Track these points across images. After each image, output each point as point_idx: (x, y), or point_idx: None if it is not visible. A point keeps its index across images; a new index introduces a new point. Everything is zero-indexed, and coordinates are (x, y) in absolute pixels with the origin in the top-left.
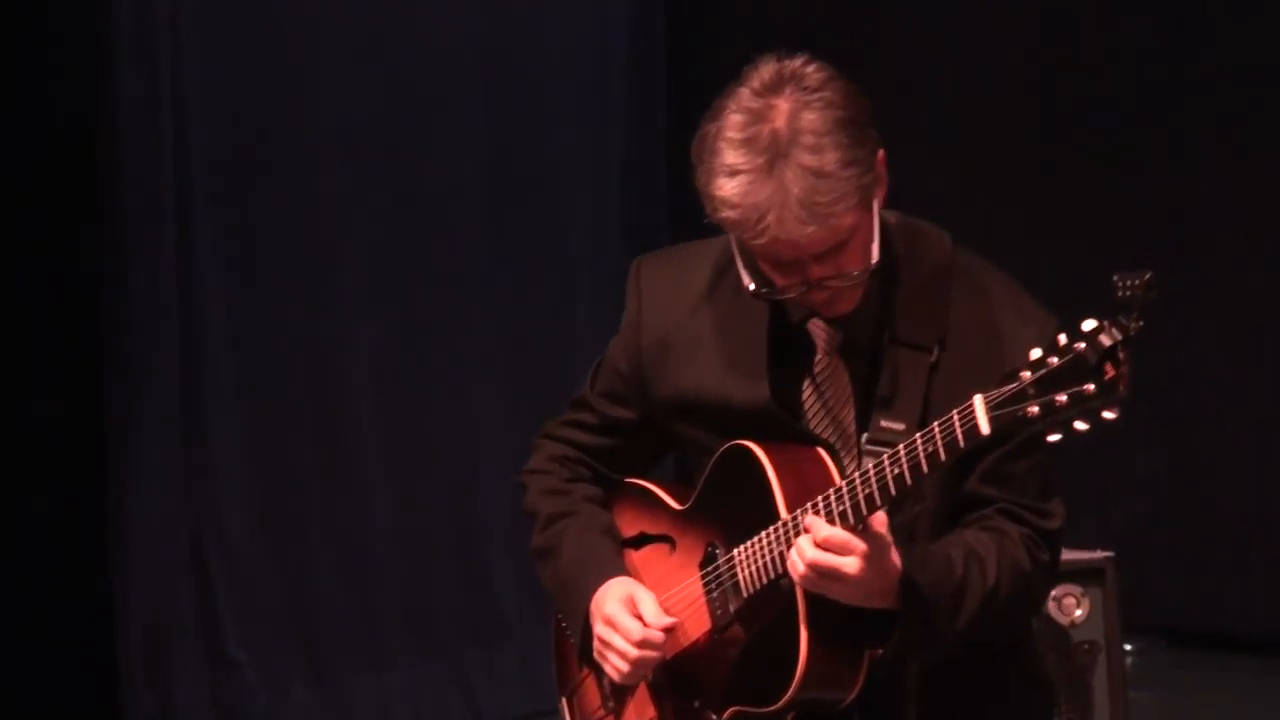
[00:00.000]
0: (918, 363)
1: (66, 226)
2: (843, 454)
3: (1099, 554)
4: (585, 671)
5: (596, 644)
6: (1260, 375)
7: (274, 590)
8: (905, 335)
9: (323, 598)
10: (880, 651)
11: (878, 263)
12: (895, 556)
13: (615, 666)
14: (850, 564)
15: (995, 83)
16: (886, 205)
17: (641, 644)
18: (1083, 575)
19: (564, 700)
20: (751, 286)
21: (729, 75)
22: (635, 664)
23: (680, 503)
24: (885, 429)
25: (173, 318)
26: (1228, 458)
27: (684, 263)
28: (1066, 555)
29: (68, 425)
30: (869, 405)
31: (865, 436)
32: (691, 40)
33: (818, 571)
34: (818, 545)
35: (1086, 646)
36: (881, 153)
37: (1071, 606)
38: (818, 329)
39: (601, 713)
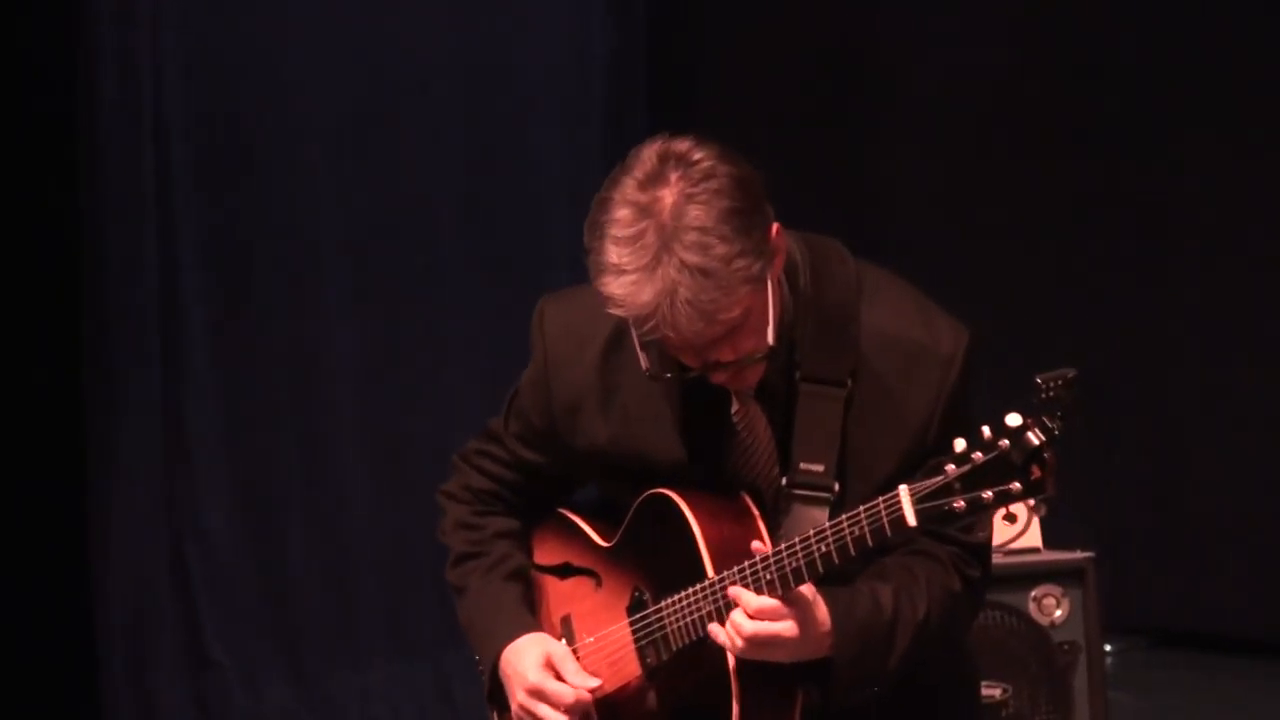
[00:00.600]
0: (832, 398)
1: (46, 226)
2: (766, 495)
3: (1079, 554)
4: None
5: (520, 712)
6: (1240, 377)
7: (254, 590)
8: (817, 372)
9: (303, 598)
10: (813, 695)
11: (773, 346)
12: (823, 609)
13: None
14: (787, 628)
15: (976, 84)
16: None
17: (573, 709)
18: (1063, 575)
19: (494, 716)
20: (651, 371)
21: (709, 78)
22: None
23: (605, 539)
24: (805, 471)
25: (153, 319)
26: (1207, 459)
27: (590, 307)
28: (1047, 555)
29: (47, 426)
30: (788, 444)
31: (785, 480)
32: (672, 43)
33: (755, 643)
34: (751, 616)
35: (1066, 647)
36: (775, 226)
37: (1051, 607)
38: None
39: None
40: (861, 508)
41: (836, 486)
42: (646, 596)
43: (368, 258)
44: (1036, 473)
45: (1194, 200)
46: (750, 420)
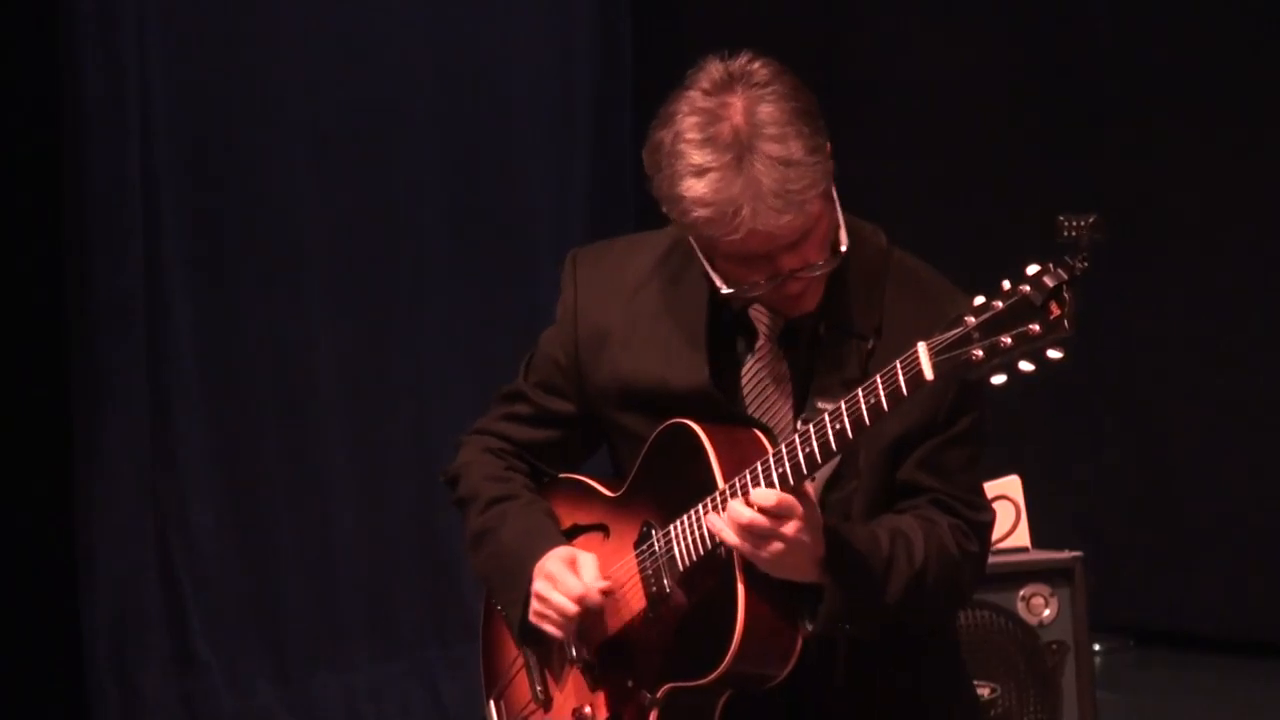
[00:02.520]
0: (855, 349)
1: (31, 224)
2: (780, 438)
3: (1067, 554)
4: (516, 667)
5: (535, 602)
6: (1227, 376)
7: (240, 590)
8: (843, 323)
9: (288, 597)
10: (810, 626)
11: (847, 250)
12: (819, 521)
13: (552, 622)
14: (787, 525)
15: (962, 81)
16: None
17: (580, 600)
18: (1051, 575)
19: (491, 703)
20: (725, 288)
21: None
22: (572, 621)
23: (614, 490)
24: (822, 409)
25: (138, 318)
26: (1195, 459)
27: (619, 253)
28: (1035, 555)
29: (33, 426)
30: (806, 392)
31: (801, 418)
32: (658, 47)
33: (751, 533)
34: (756, 509)
35: (1055, 646)
36: (828, 145)
37: (1040, 606)
38: (759, 315)
39: (532, 707)
40: (878, 374)
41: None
42: (654, 528)
43: (353, 257)
44: (1055, 310)
45: (1184, 201)
46: (772, 360)
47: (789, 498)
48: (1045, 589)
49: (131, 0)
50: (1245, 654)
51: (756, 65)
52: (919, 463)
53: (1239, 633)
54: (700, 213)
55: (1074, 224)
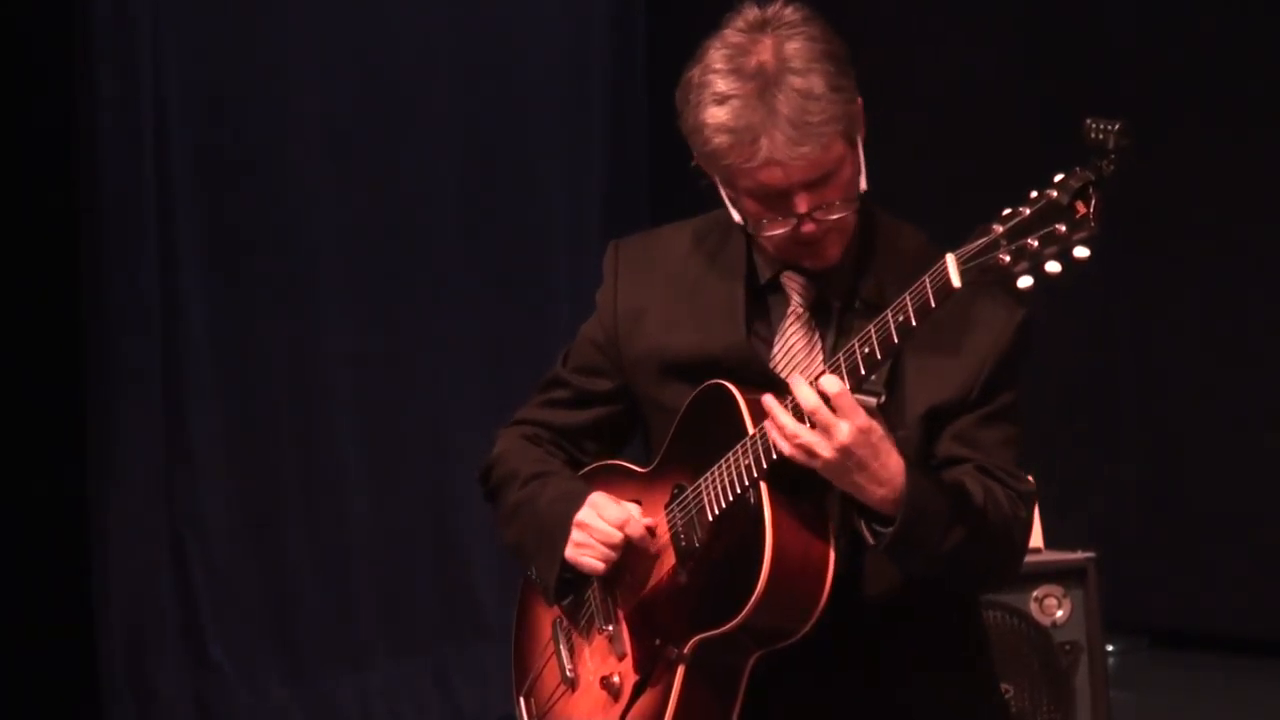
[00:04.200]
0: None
1: (47, 227)
2: None
3: (1080, 555)
4: (546, 655)
5: (575, 530)
6: (1240, 376)
7: (254, 590)
8: (877, 299)
9: (303, 598)
10: (874, 542)
11: (864, 191)
12: (895, 452)
13: (593, 553)
14: (846, 427)
15: (973, 80)
16: (870, 198)
17: (622, 526)
18: (1064, 576)
19: (520, 700)
20: (740, 220)
21: None
22: (614, 550)
23: (646, 467)
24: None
25: (154, 320)
26: (1208, 458)
27: (659, 241)
28: (1048, 556)
29: (49, 427)
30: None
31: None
32: (672, 37)
33: (819, 419)
34: (820, 397)
35: (1068, 647)
36: (860, 100)
37: (1053, 607)
38: (792, 282)
39: (560, 691)
40: (906, 292)
41: (884, 396)
42: (685, 486)
43: (367, 259)
44: (1080, 209)
45: (1200, 202)
46: (805, 331)
47: (851, 397)
48: (1059, 590)
49: (146, 4)
50: (1259, 654)
51: (789, 10)
52: (954, 438)
53: (1252, 633)
54: (720, 139)
55: (1101, 127)
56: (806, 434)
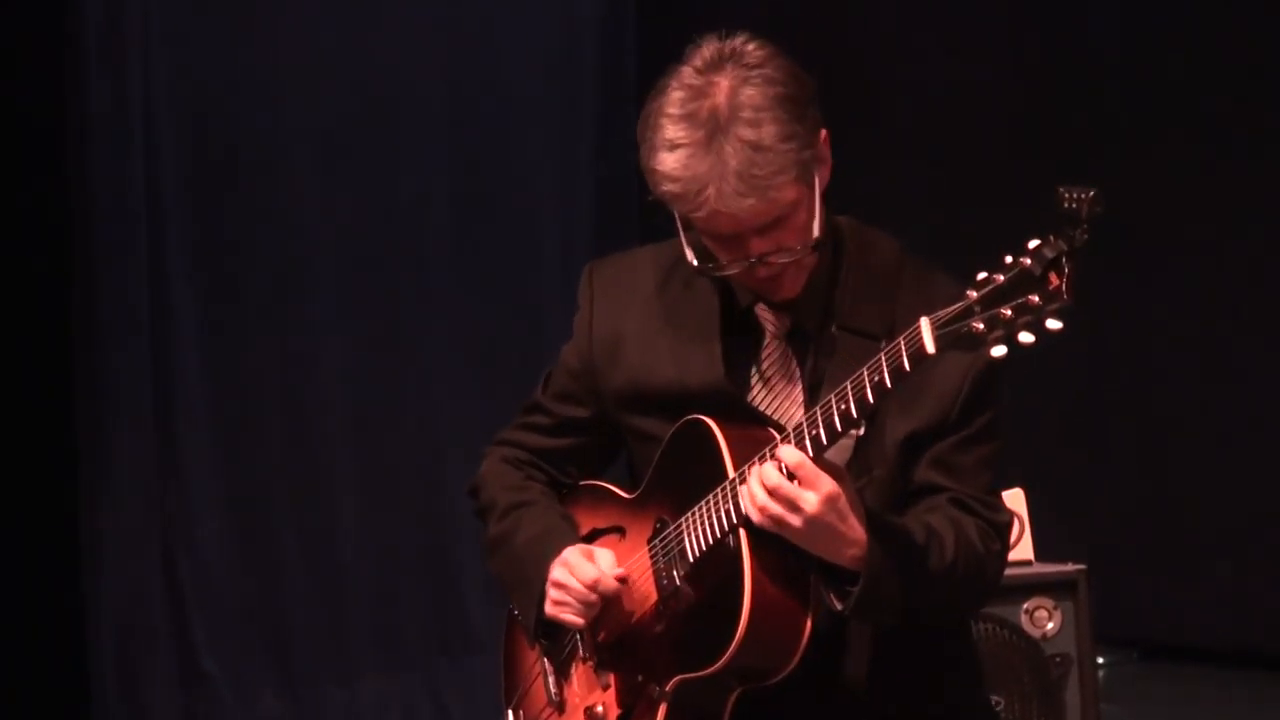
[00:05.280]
0: (865, 350)
1: (37, 237)
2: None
3: (1071, 567)
4: (534, 675)
5: (551, 588)
6: (1232, 389)
7: (245, 602)
8: (853, 323)
9: (293, 610)
10: (840, 606)
11: (818, 240)
12: (859, 505)
13: (570, 610)
14: (810, 497)
15: (962, 92)
16: (842, 211)
17: (594, 586)
18: (1055, 588)
19: (510, 712)
20: (695, 262)
21: None
22: (590, 608)
23: (630, 493)
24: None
25: (143, 330)
26: (1199, 472)
27: (634, 264)
28: (1039, 568)
29: (38, 438)
30: (816, 391)
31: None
32: (662, 50)
33: (780, 497)
34: (783, 472)
35: (1059, 659)
36: (824, 133)
37: (1044, 619)
38: (765, 314)
39: (548, 712)
40: (882, 351)
41: (864, 427)
42: (667, 522)
43: (357, 267)
44: (1054, 281)
45: (1189, 211)
46: (782, 359)
47: (814, 467)
48: (1049, 602)
49: (136, 12)
50: (1249, 667)
51: (751, 46)
52: (933, 463)
53: (1243, 646)
54: (668, 187)
55: (1074, 196)
56: (774, 506)
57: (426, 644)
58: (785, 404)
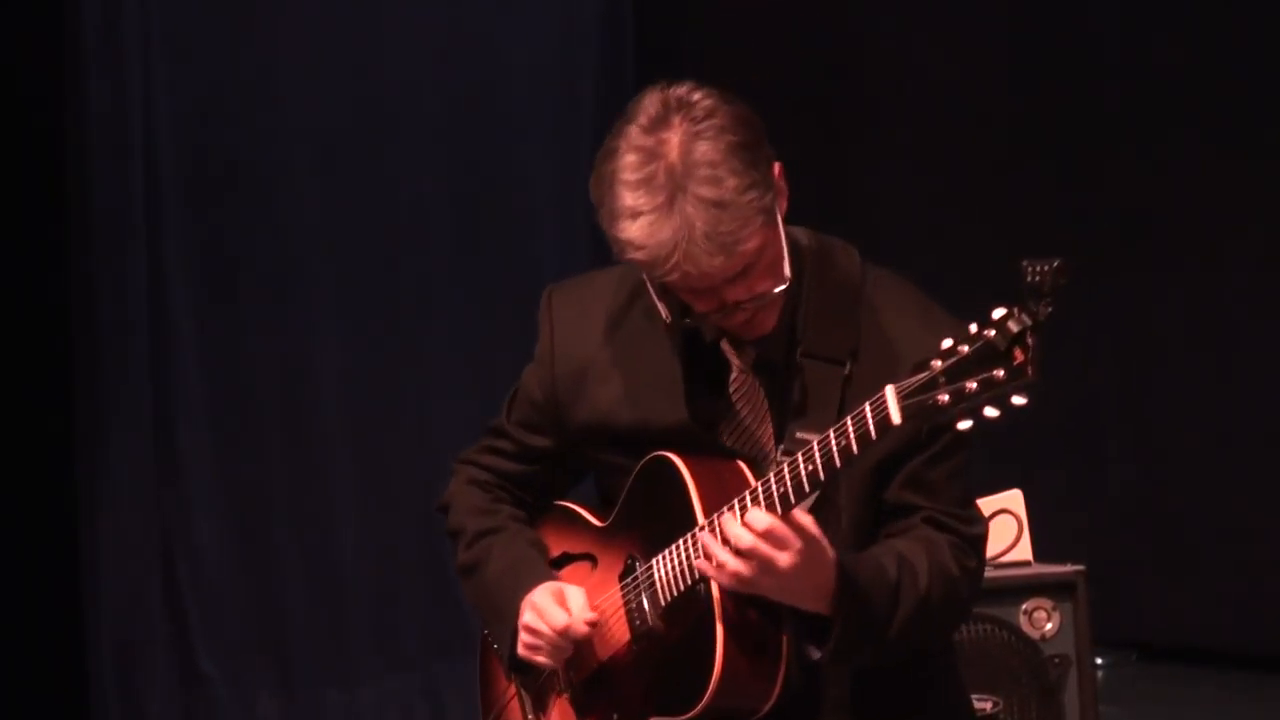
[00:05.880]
0: (831, 376)
1: (36, 242)
2: (765, 467)
3: (1070, 568)
4: (510, 694)
5: (523, 633)
6: (1230, 389)
7: (244, 605)
8: (817, 350)
9: (292, 613)
10: (818, 655)
11: (789, 280)
12: (829, 553)
13: (543, 653)
14: (784, 556)
15: (962, 94)
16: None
17: (564, 632)
18: (1054, 589)
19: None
20: (669, 318)
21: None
22: (559, 652)
23: (601, 520)
24: (801, 440)
25: (142, 335)
26: (1197, 472)
27: (595, 290)
28: (1038, 569)
29: (37, 443)
30: (784, 420)
31: (781, 449)
32: (661, 54)
33: (751, 557)
34: (753, 533)
35: (1057, 660)
36: (778, 166)
37: (1043, 620)
38: (730, 348)
39: None
40: (848, 417)
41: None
42: (638, 561)
43: (355, 273)
44: (1019, 357)
45: (1182, 211)
46: (749, 391)
47: (782, 526)
48: (1048, 603)
49: (136, 12)
50: (1248, 668)
51: (697, 96)
52: (905, 482)
53: (1242, 647)
54: (635, 254)
55: (1038, 268)
56: (743, 567)
57: (426, 645)
58: (755, 435)
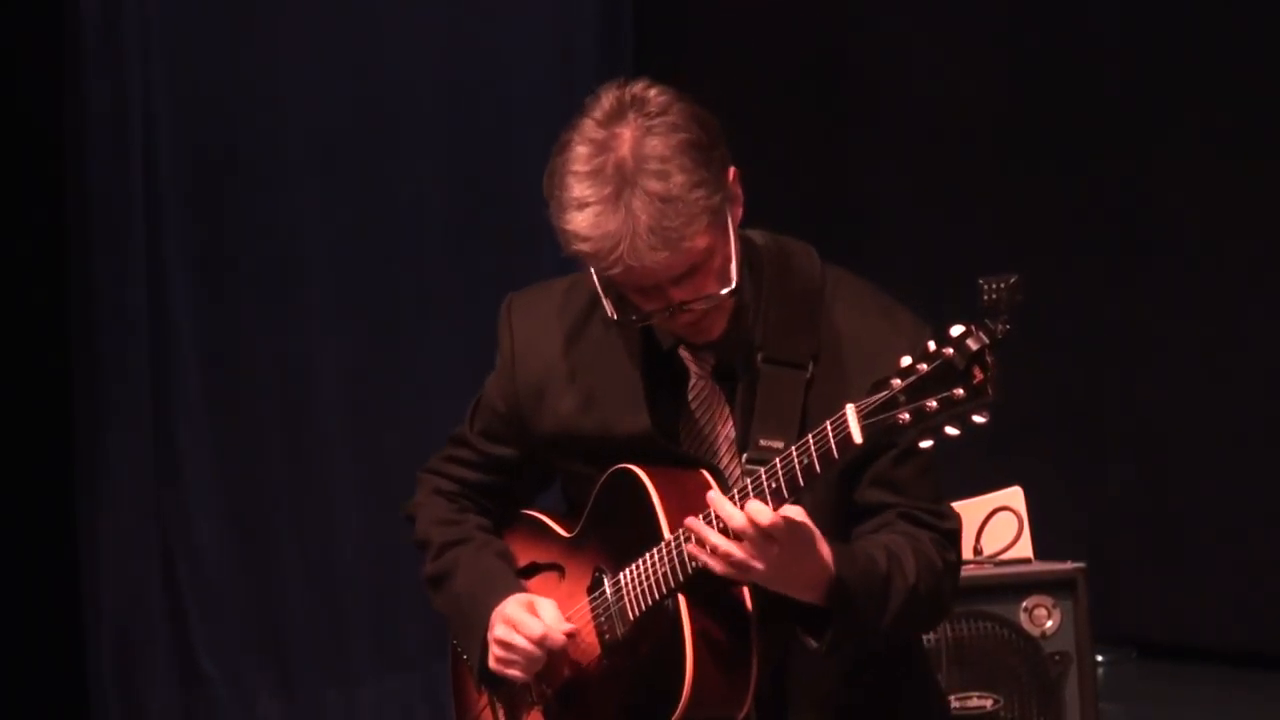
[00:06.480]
0: (793, 380)
1: (35, 237)
2: (727, 474)
3: (1070, 565)
4: (483, 704)
5: (494, 646)
6: (1228, 387)
7: (244, 604)
8: (778, 354)
9: (292, 612)
10: (816, 645)
11: (737, 284)
12: (823, 544)
13: (514, 665)
14: (779, 538)
15: (959, 93)
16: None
17: (540, 642)
18: (1054, 586)
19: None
20: (615, 315)
21: (697, 86)
22: (535, 664)
23: (568, 530)
24: (765, 448)
25: (142, 333)
26: (1197, 470)
27: (555, 298)
28: (1038, 566)
29: (36, 442)
30: (747, 427)
31: (745, 456)
32: (661, 54)
33: (748, 538)
34: (748, 522)
35: (1058, 657)
36: (733, 170)
37: (1043, 617)
38: (688, 355)
39: None
40: (810, 435)
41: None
42: (605, 575)
43: (355, 272)
44: (978, 376)
45: (1179, 210)
46: (710, 398)
47: (776, 516)
48: (1048, 600)
49: (136, 12)
50: (1247, 666)
51: (653, 93)
52: (874, 481)
53: (1241, 644)
54: (579, 246)
55: (994, 286)
56: (739, 552)
57: (426, 645)
58: (715, 442)
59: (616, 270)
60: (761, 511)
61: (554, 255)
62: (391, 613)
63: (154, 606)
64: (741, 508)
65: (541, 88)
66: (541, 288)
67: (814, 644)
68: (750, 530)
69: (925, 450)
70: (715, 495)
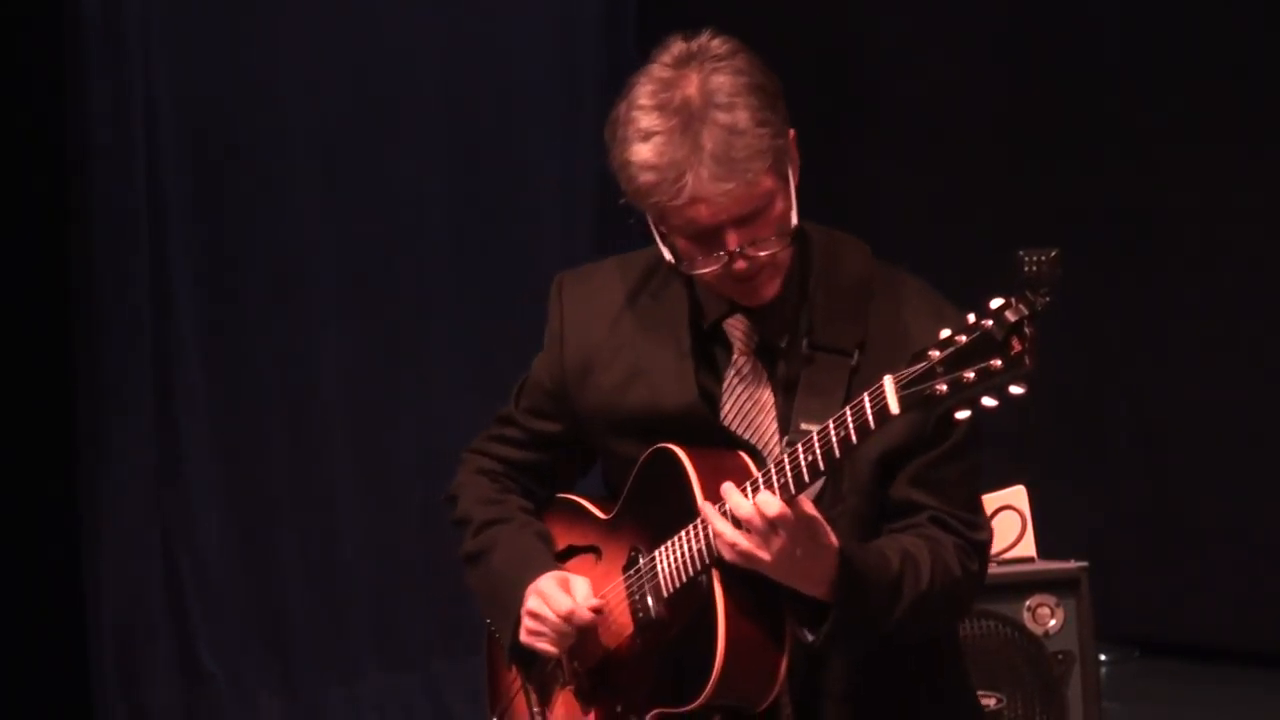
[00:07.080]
0: (838, 366)
1: (38, 239)
2: (767, 459)
3: (1073, 564)
4: (516, 689)
5: (526, 618)
6: (1234, 387)
7: (245, 602)
8: (824, 340)
9: (294, 609)
10: (811, 638)
11: (796, 227)
12: (833, 540)
13: (546, 639)
14: (786, 531)
15: (965, 93)
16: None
17: (570, 617)
18: (1057, 585)
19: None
20: (671, 259)
21: None
22: (565, 638)
23: (606, 513)
24: (804, 431)
25: (144, 331)
26: (1201, 470)
27: (604, 276)
28: (1041, 565)
29: (39, 438)
30: (789, 409)
31: (786, 439)
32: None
33: (754, 529)
34: (755, 512)
35: (1061, 656)
36: (792, 133)
37: (1046, 616)
38: (735, 327)
39: None
40: (847, 407)
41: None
42: (641, 553)
43: (358, 267)
44: (1017, 346)
45: (1185, 212)
46: (753, 374)
47: (784, 507)
48: (1051, 599)
49: (136, 12)
50: (1250, 665)
51: (716, 42)
52: (912, 480)
53: (1244, 643)
54: (645, 177)
55: (1035, 259)
56: (745, 542)
57: (426, 644)
58: (756, 421)
59: (679, 201)
60: (769, 503)
61: (555, 255)
62: (392, 611)
63: (156, 605)
64: (753, 498)
65: (543, 88)
66: (591, 267)
67: (809, 637)
68: (757, 521)
69: (971, 455)
70: (728, 486)
